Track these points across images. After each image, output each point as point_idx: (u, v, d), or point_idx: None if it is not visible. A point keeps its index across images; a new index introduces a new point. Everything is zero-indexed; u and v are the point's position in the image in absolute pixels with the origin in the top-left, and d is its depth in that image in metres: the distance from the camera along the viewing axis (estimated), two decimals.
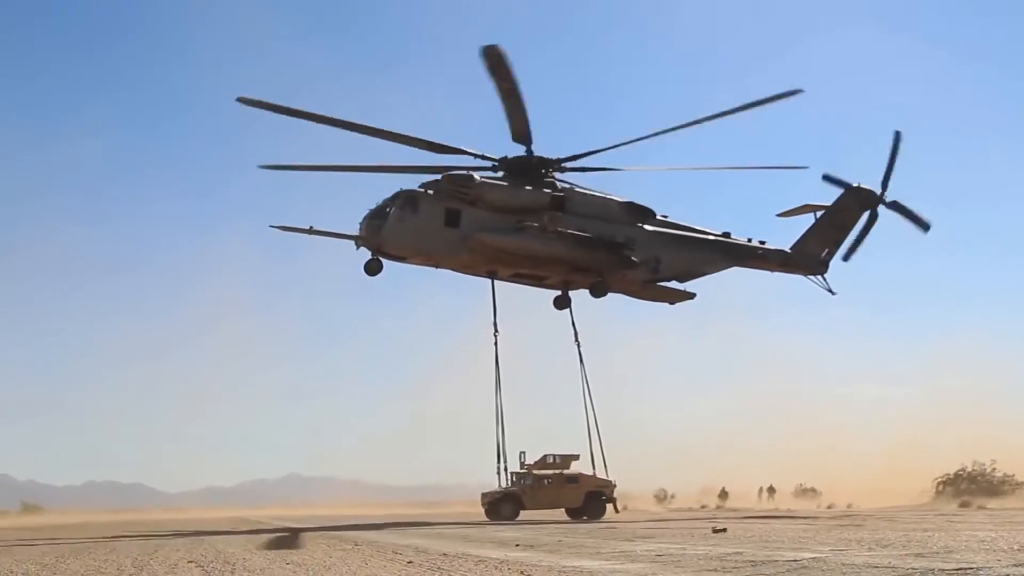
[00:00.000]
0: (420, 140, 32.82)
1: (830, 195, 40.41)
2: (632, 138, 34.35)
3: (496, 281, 36.05)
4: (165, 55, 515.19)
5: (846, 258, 40.09)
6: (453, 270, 35.40)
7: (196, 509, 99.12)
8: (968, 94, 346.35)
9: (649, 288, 37.33)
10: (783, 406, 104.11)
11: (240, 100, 30.51)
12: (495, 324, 35.82)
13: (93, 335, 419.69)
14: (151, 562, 14.53)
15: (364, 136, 32.35)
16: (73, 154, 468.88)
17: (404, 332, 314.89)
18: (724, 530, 20.14)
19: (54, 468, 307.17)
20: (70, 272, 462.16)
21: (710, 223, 38.70)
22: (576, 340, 37.15)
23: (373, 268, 33.26)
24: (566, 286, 36.96)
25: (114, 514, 74.74)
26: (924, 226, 39.77)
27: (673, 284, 37.64)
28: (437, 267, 35.00)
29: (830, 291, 40.30)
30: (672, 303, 38.56)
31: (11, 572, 13.33)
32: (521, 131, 32.82)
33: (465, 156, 33.88)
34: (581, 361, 37.02)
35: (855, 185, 39.89)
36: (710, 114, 34.25)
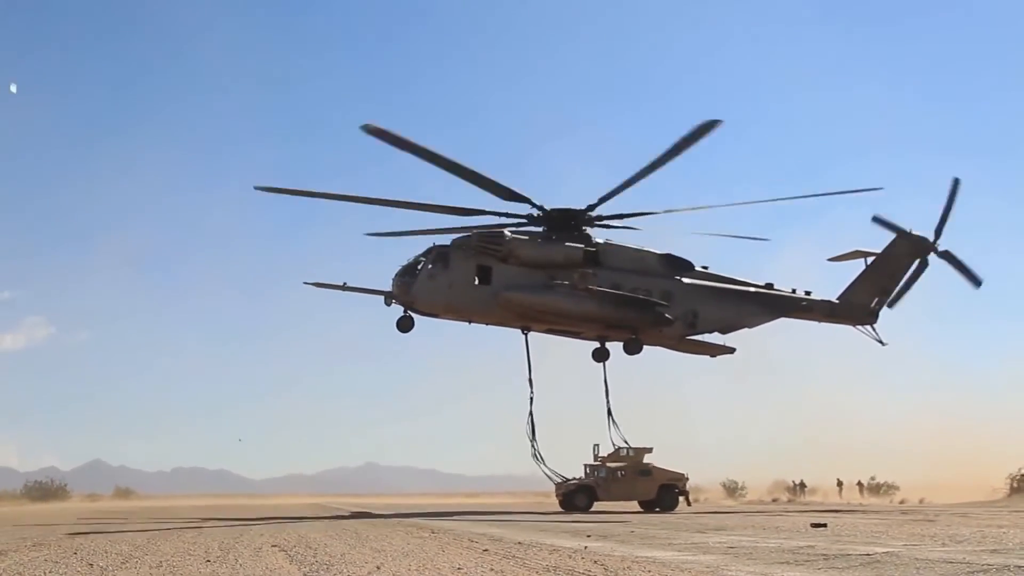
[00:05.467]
0: (487, 179, 32.27)
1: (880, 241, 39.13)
2: (682, 207, 34.31)
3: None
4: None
5: (891, 304, 38.64)
6: (486, 324, 34.98)
7: (278, 496, 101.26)
8: None
9: (686, 342, 36.68)
10: (853, 406, 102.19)
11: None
12: (530, 381, 35.48)
13: (184, 329, 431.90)
14: (237, 545, 15.09)
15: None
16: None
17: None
18: (824, 525, 19.49)
19: (145, 454, 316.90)
20: (158, 258, 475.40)
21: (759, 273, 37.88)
22: (607, 401, 36.59)
23: (405, 325, 33.30)
24: (603, 339, 36.35)
25: (201, 499, 76.89)
26: (975, 281, 38.10)
27: (715, 336, 36.90)
28: (470, 323, 34.71)
29: (880, 342, 38.80)
30: (713, 356, 37.80)
31: (107, 552, 13.99)
32: (613, 194, 32.95)
33: (521, 203, 33.47)
34: (609, 413, 36.59)
35: (907, 231, 38.33)
36: (788, 195, 34.38)
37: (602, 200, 33.82)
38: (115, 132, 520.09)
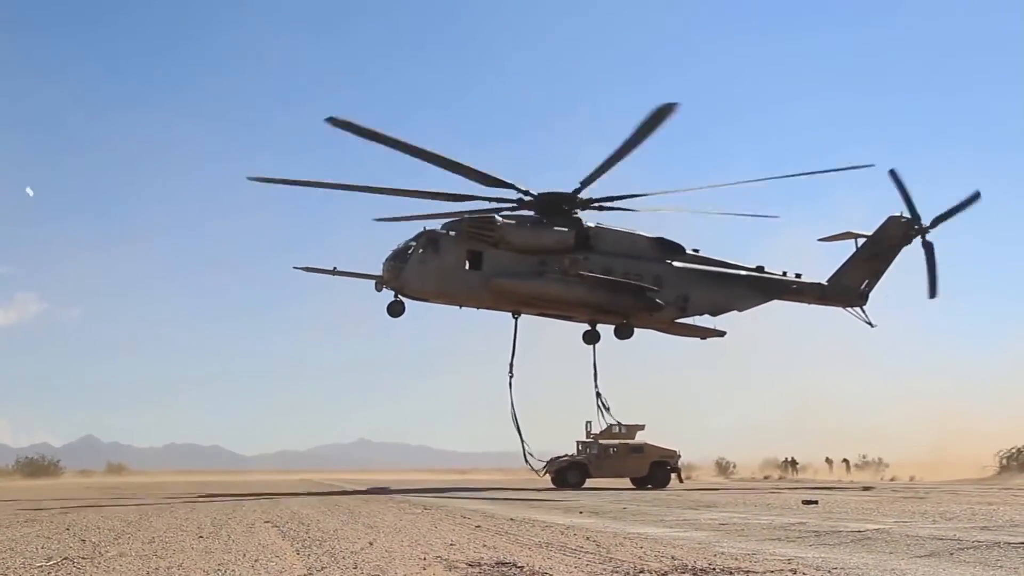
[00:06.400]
0: (465, 167, 31.98)
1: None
2: (674, 188, 34.50)
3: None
4: None
5: (932, 295, 38.40)
6: (476, 309, 34.90)
7: (271, 472, 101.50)
8: None
9: (677, 326, 36.99)
10: (844, 385, 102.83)
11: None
12: (511, 366, 35.12)
13: (178, 306, 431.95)
14: (229, 521, 15.10)
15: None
16: None
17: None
18: (815, 502, 19.76)
19: (137, 430, 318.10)
20: (151, 235, 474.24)
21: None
22: (596, 384, 36.53)
23: (396, 309, 33.17)
24: (594, 322, 36.44)
25: (193, 475, 76.95)
26: (974, 197, 38.24)
27: (705, 319, 37.11)
28: (461, 307, 34.69)
29: (869, 323, 39.31)
30: (703, 339, 38.10)
31: (99, 528, 13.98)
32: (593, 178, 32.72)
33: (505, 188, 33.28)
34: (599, 395, 36.60)
35: (895, 215, 38.86)
36: (777, 175, 34.52)
37: (585, 184, 33.38)
38: (112, 111, 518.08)
